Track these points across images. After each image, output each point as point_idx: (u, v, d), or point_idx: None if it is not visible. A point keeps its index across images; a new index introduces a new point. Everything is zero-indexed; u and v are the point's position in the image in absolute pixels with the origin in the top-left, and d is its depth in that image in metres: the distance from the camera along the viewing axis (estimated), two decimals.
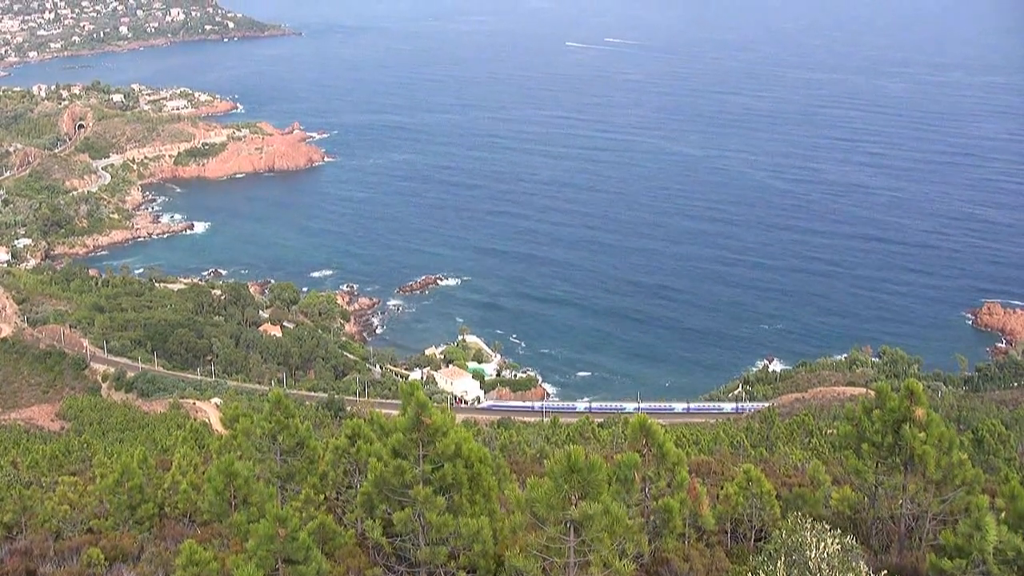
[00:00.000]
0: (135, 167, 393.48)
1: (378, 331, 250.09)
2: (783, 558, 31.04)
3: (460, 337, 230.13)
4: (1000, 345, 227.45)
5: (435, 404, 35.50)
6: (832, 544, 31.76)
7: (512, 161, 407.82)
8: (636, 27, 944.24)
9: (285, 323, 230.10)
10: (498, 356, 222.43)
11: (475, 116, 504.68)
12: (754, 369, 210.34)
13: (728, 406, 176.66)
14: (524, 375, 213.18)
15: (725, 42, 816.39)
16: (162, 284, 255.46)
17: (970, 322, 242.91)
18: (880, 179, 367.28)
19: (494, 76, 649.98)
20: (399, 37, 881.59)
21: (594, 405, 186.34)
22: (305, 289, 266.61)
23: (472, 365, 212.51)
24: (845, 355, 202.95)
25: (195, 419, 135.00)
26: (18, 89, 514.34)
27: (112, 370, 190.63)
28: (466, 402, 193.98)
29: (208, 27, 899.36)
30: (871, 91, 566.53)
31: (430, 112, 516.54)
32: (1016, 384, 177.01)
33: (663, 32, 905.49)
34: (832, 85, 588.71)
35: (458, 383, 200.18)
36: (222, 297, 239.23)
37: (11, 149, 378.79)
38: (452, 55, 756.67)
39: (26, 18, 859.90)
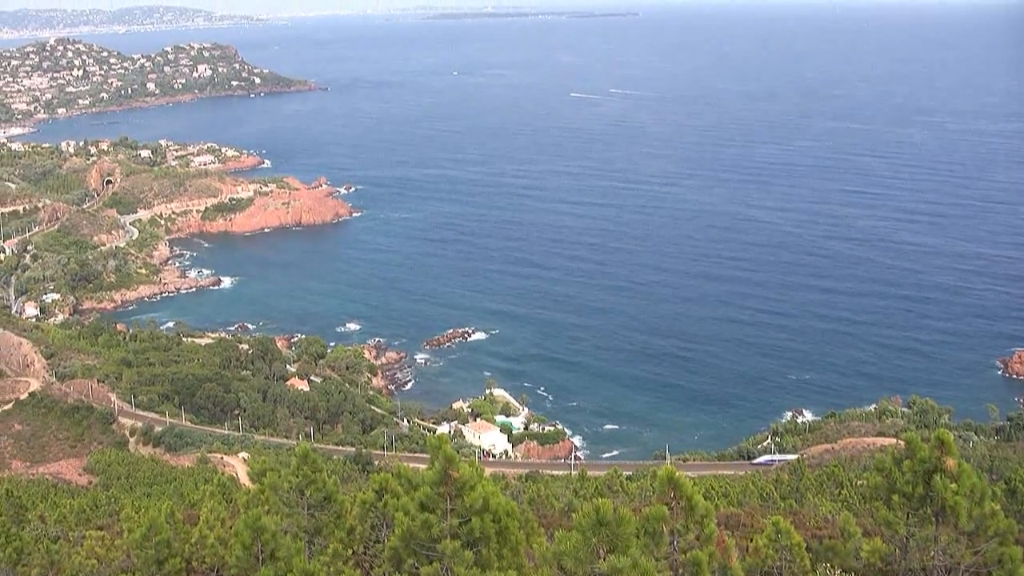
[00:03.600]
0: (162, 222, 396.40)
1: (405, 385, 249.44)
2: None
3: (487, 391, 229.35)
4: None
5: (463, 457, 35.46)
6: None
7: (536, 213, 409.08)
8: (651, 78, 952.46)
9: (312, 377, 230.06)
10: (525, 409, 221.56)
11: (498, 169, 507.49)
12: (783, 420, 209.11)
13: None
14: (552, 428, 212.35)
15: (748, 93, 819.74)
16: (189, 339, 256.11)
17: (1000, 371, 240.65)
18: (906, 228, 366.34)
19: (517, 128, 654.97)
20: (423, 91, 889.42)
21: None
22: (332, 343, 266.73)
23: (500, 419, 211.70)
24: (874, 406, 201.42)
25: (222, 473, 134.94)
26: (47, 145, 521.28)
27: (140, 424, 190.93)
28: (494, 456, 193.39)
29: (234, 83, 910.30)
30: (895, 140, 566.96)
31: (454, 166, 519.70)
32: None
33: (678, 83, 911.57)
34: (855, 135, 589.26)
35: (486, 437, 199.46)
36: (249, 352, 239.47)
37: (40, 205, 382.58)
38: (474, 108, 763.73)
39: (55, 75, 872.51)
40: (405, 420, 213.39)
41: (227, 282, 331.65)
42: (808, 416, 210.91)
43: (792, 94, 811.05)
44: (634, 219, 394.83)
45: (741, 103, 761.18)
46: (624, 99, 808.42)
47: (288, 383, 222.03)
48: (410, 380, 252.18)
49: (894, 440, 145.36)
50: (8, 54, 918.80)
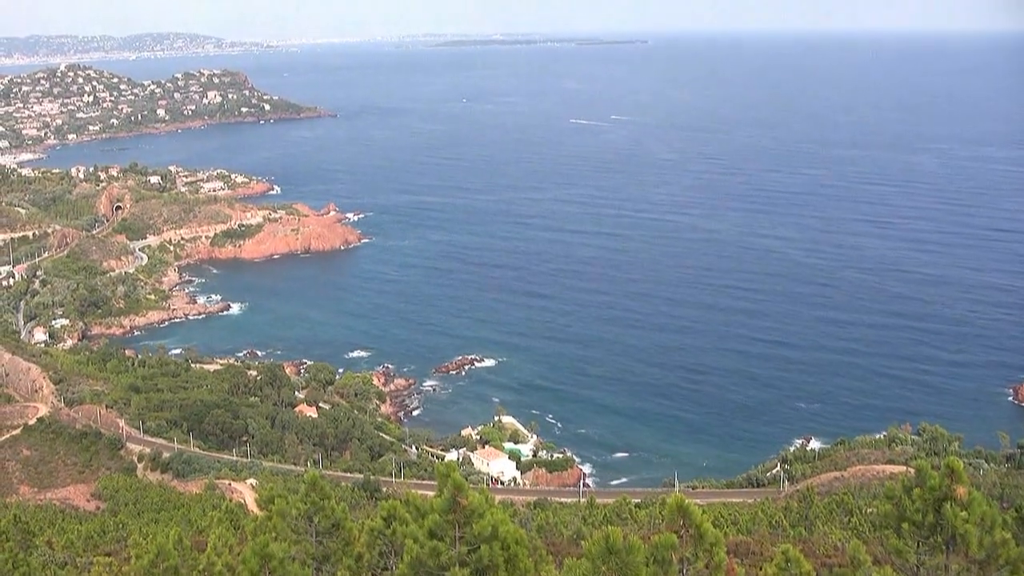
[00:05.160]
0: (172, 248, 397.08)
1: (414, 412, 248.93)
2: None
3: (496, 418, 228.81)
4: None
5: (472, 485, 35.38)
6: None
7: (543, 241, 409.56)
8: (655, 105, 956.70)
9: (321, 404, 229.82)
10: (534, 436, 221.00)
11: (505, 196, 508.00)
12: (792, 448, 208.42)
13: None
14: (561, 456, 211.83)
15: (755, 120, 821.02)
16: (198, 365, 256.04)
17: (1011, 398, 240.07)
18: (915, 255, 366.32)
19: (527, 156, 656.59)
20: (431, 118, 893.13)
21: None
22: (341, 370, 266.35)
23: (508, 446, 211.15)
24: (884, 433, 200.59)
25: (231, 500, 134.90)
26: (57, 171, 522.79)
27: (148, 450, 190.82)
28: (502, 483, 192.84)
29: (244, 109, 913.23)
30: (903, 167, 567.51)
31: (462, 192, 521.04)
32: None
33: (684, 109, 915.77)
34: (863, 162, 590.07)
35: (494, 464, 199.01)
36: (258, 378, 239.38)
37: (50, 230, 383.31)
38: (482, 135, 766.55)
39: (66, 101, 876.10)
40: (414, 447, 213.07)
41: (236, 308, 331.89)
42: (817, 444, 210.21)
43: (799, 121, 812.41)
44: (640, 248, 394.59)
45: (748, 130, 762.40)
46: (626, 126, 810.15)
47: (296, 409, 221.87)
48: (418, 407, 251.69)
49: (904, 468, 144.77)
50: (19, 80, 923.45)
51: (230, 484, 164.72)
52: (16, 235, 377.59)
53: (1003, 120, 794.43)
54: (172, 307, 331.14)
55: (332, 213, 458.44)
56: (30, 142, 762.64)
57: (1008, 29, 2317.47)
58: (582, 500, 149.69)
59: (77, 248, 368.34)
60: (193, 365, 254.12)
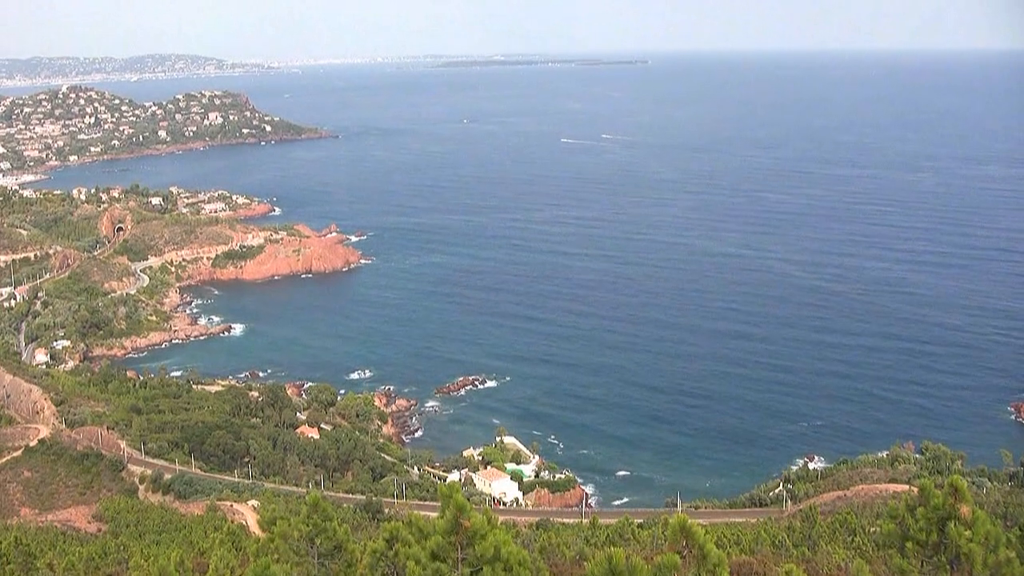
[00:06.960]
0: (173, 269, 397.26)
1: (416, 432, 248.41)
2: None
3: (498, 438, 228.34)
4: None
5: (474, 506, 35.29)
6: None
7: (542, 264, 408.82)
8: (653, 125, 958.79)
9: (323, 425, 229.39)
10: (536, 457, 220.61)
11: (505, 217, 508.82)
12: (794, 467, 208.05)
13: None
14: (563, 476, 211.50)
15: (758, 140, 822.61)
16: (199, 386, 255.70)
17: (1013, 416, 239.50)
18: (916, 275, 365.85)
19: (522, 176, 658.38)
20: (432, 139, 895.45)
21: None
22: (342, 391, 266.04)
23: (510, 466, 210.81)
24: (886, 452, 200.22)
25: (232, 521, 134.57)
26: (58, 192, 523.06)
27: (149, 472, 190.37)
28: (504, 503, 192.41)
29: (245, 130, 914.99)
30: (903, 186, 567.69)
31: (463, 213, 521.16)
32: None
33: (680, 129, 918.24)
34: (864, 181, 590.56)
35: (496, 484, 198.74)
36: (259, 399, 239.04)
37: (51, 251, 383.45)
38: (482, 156, 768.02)
39: (67, 122, 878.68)
40: (415, 468, 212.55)
41: (237, 329, 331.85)
42: (820, 463, 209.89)
43: (798, 141, 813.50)
44: (639, 270, 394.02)
45: (747, 150, 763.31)
46: (627, 147, 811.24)
47: (298, 431, 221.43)
48: (420, 428, 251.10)
49: (907, 487, 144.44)
50: (21, 101, 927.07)
51: (232, 505, 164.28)
52: (18, 256, 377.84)
53: (1002, 139, 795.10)
54: (173, 328, 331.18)
55: (333, 234, 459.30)
56: (32, 163, 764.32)
57: (1007, 48, 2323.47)
58: (584, 520, 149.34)
59: (78, 269, 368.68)
60: (194, 386, 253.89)
